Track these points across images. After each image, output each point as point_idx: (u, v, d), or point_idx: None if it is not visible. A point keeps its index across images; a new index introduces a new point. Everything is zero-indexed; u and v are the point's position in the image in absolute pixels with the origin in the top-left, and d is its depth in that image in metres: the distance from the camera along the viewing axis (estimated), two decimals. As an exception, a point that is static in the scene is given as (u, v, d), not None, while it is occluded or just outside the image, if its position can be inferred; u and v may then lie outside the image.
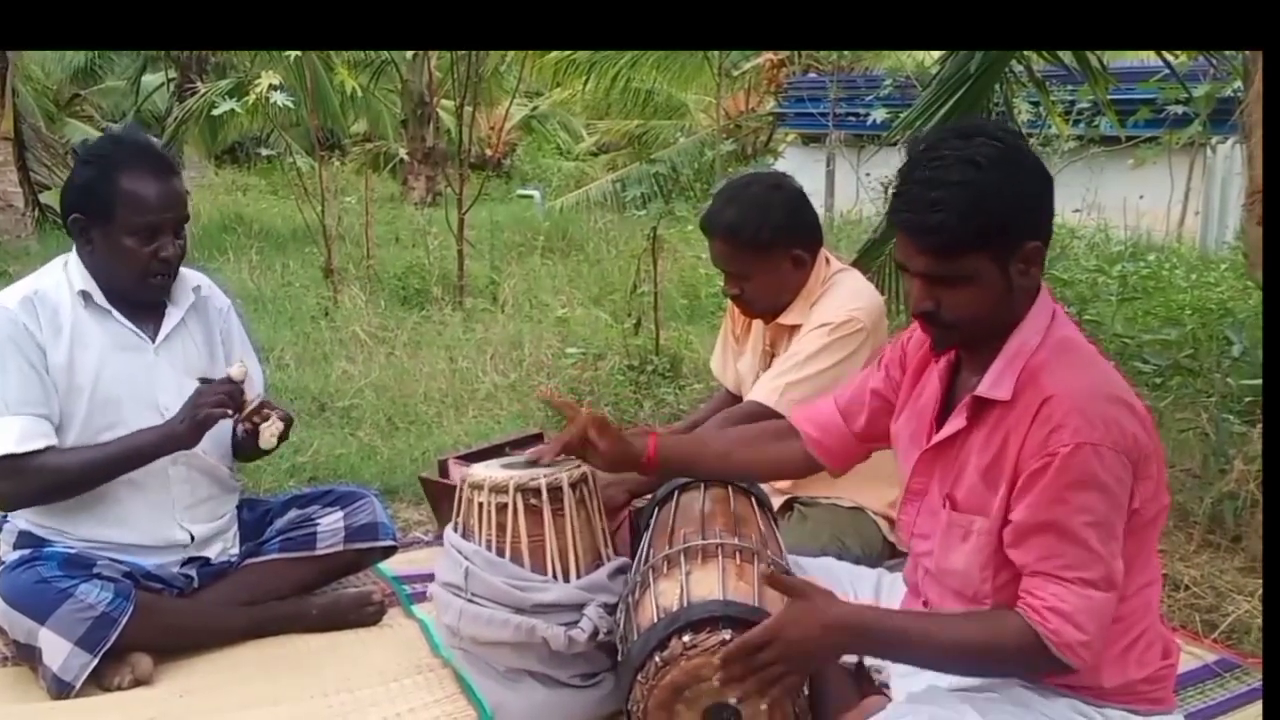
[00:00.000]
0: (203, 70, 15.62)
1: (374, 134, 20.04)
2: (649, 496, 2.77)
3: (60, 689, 2.52)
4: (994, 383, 1.94)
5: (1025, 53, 4.84)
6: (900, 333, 2.31)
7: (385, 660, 2.75)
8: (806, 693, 2.06)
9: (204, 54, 15.38)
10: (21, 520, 2.72)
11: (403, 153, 15.01)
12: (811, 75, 15.16)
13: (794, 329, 2.94)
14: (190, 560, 2.83)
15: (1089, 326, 5.47)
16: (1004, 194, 1.84)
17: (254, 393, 2.84)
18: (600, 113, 19.35)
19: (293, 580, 2.94)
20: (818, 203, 3.12)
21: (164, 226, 2.68)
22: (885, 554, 2.95)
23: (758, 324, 3.14)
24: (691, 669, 1.99)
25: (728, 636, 1.98)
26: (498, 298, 7.76)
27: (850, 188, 11.54)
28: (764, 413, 2.80)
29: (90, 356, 2.68)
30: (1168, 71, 5.42)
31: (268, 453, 2.84)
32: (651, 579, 2.22)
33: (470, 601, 2.43)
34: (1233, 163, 10.52)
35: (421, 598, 3.03)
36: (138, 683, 2.61)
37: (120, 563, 2.66)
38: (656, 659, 2.02)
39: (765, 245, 2.87)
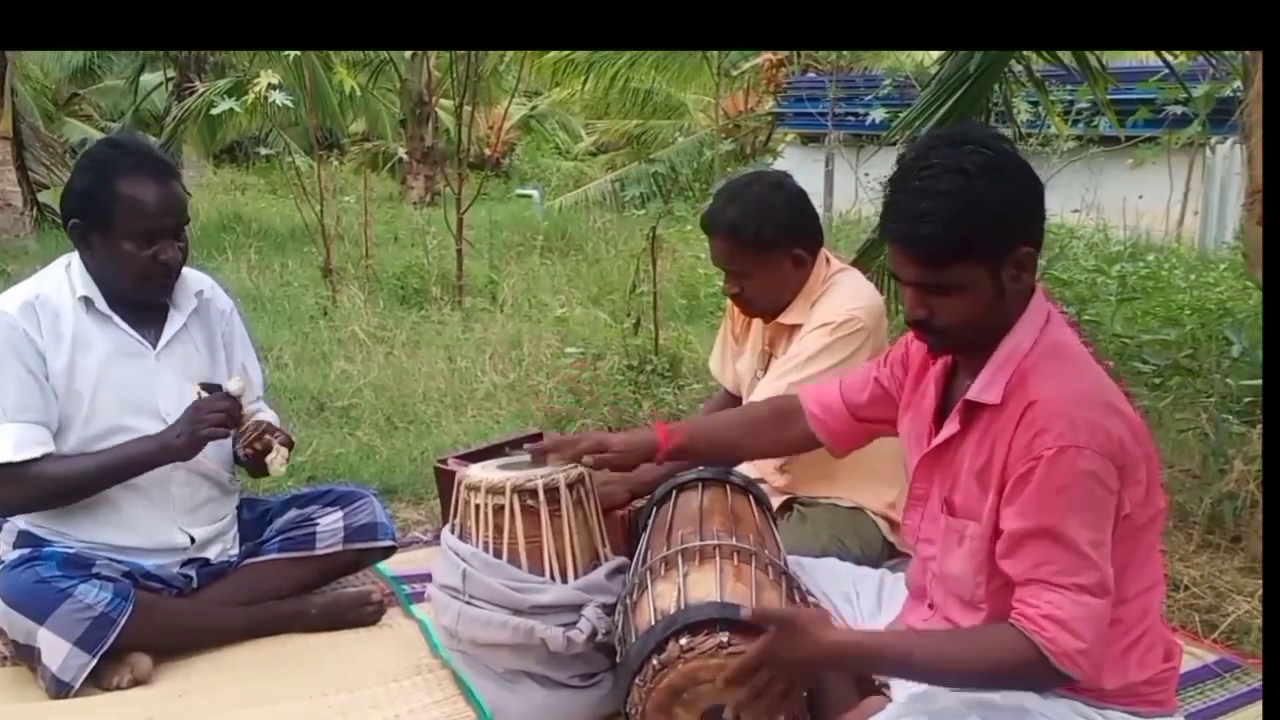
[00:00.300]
0: (201, 69, 15.61)
1: (373, 133, 20.05)
2: (648, 496, 2.77)
3: (59, 689, 2.51)
4: (984, 386, 1.95)
5: (1025, 53, 4.84)
6: (904, 333, 2.32)
7: (384, 660, 2.74)
8: (805, 693, 2.06)
9: (202, 53, 15.36)
10: (21, 520, 2.72)
11: (401, 152, 15.03)
12: (810, 75, 15.16)
13: (794, 329, 2.94)
14: (190, 561, 2.83)
15: (1088, 327, 5.48)
16: (993, 201, 1.84)
17: (254, 395, 2.85)
18: (599, 112, 19.37)
19: (292, 580, 2.94)
20: (816, 202, 3.11)
21: (163, 231, 2.68)
22: (885, 554, 2.95)
23: (757, 324, 3.14)
24: (689, 672, 1.99)
25: (725, 639, 1.98)
26: (497, 297, 7.76)
27: (849, 187, 11.52)
28: None
29: (91, 362, 2.68)
30: (1167, 71, 5.42)
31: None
32: (649, 580, 2.21)
33: (468, 603, 2.43)
34: (1232, 163, 10.51)
35: (420, 598, 3.03)
36: (136, 683, 2.60)
37: (119, 562, 2.66)
38: (654, 662, 2.02)
39: (766, 244, 2.87)
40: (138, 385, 2.73)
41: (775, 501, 2.89)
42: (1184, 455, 4.07)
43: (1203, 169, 10.97)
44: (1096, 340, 5.23)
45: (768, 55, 15.45)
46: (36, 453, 2.60)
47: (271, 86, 7.36)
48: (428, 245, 8.79)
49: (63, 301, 2.70)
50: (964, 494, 1.99)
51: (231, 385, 2.71)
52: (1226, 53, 4.90)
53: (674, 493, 2.58)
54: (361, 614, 2.96)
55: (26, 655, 2.58)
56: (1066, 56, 4.83)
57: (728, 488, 2.54)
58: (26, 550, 2.65)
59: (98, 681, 2.57)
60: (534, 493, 2.42)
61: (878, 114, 8.65)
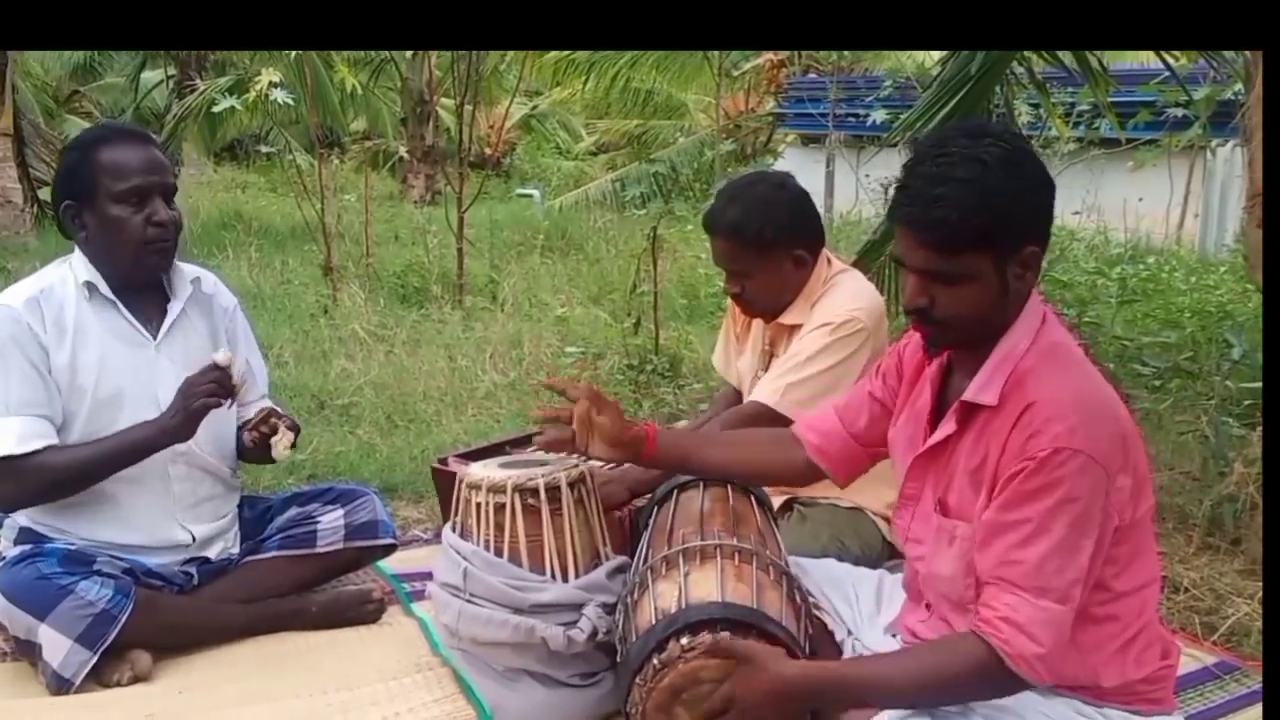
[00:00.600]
0: (202, 67, 15.60)
1: (373, 132, 20.04)
2: (649, 495, 2.77)
3: (60, 685, 2.51)
4: (981, 387, 1.95)
5: (1026, 54, 4.85)
6: (898, 339, 2.32)
7: (385, 658, 2.74)
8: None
9: (203, 51, 15.36)
10: (22, 517, 2.72)
11: (402, 151, 15.02)
12: (811, 76, 15.16)
13: (794, 329, 2.94)
14: (191, 558, 2.83)
15: (1088, 329, 5.48)
16: (1008, 195, 1.84)
17: (258, 392, 2.85)
18: (600, 112, 19.37)
19: (293, 578, 2.94)
20: (817, 203, 3.11)
21: (150, 189, 2.68)
22: (885, 554, 2.95)
23: (757, 323, 3.14)
24: (689, 671, 1.99)
25: (726, 637, 1.98)
26: (497, 296, 7.77)
27: (850, 188, 11.53)
28: (765, 413, 2.81)
29: (92, 354, 2.68)
30: (1168, 74, 5.42)
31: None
32: (650, 580, 2.21)
33: (469, 602, 2.43)
34: (1232, 166, 10.52)
35: (421, 596, 3.03)
36: (137, 680, 2.60)
37: (120, 560, 2.66)
38: (654, 661, 2.02)
39: (768, 244, 2.87)
40: (139, 376, 2.73)
41: (776, 501, 2.90)
42: (1184, 458, 4.07)
43: (1203, 172, 10.98)
44: (1097, 342, 5.24)
45: (769, 56, 15.46)
46: (39, 445, 2.60)
47: (272, 84, 7.36)
48: (428, 244, 8.79)
49: (66, 295, 2.70)
50: (958, 495, 1.99)
51: (219, 357, 2.68)
52: (1228, 55, 4.90)
53: (675, 492, 2.58)
54: (362, 612, 2.96)
55: (27, 651, 2.57)
56: (1068, 58, 4.83)
57: (729, 487, 2.54)
58: (28, 547, 2.65)
59: (98, 678, 2.56)
60: (535, 491, 2.42)
61: (879, 115, 8.67)
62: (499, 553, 2.43)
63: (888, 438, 2.26)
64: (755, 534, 2.34)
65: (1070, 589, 1.81)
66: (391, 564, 3.25)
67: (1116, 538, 1.87)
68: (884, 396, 2.28)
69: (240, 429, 2.88)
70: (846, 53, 12.40)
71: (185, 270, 2.89)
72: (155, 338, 2.78)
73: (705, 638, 2.00)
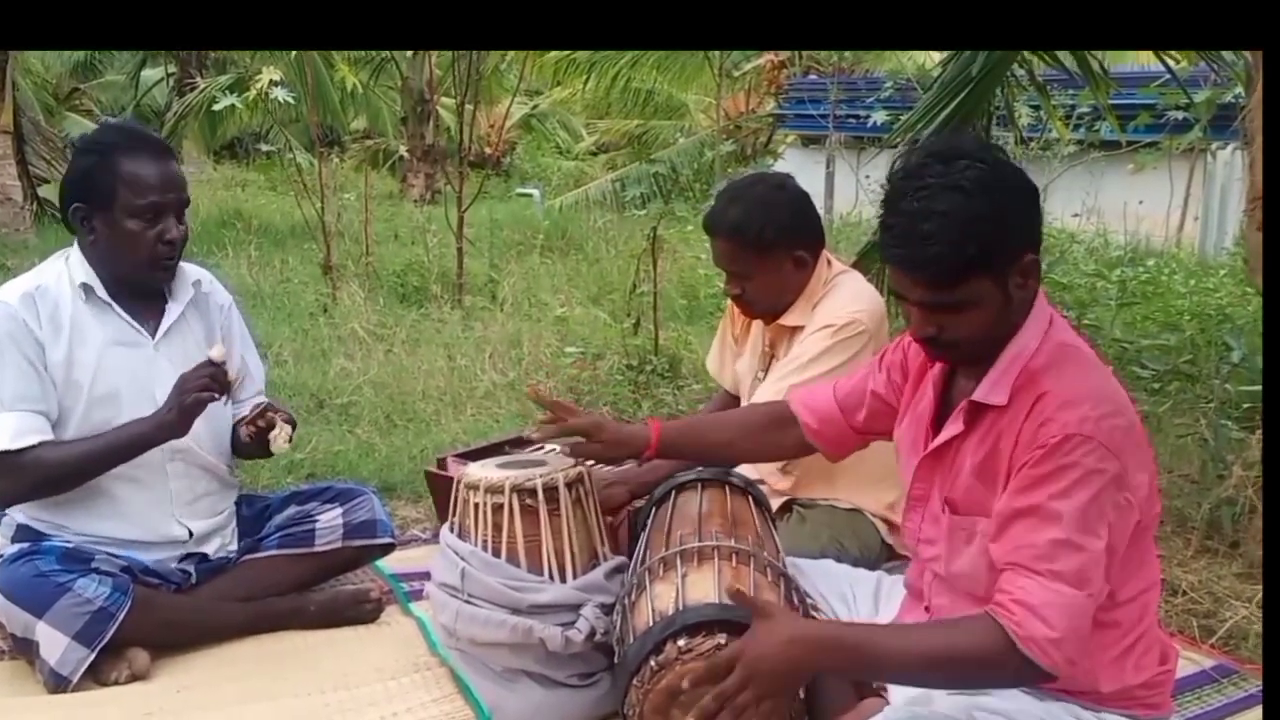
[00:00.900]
0: (202, 66, 15.63)
1: (373, 131, 20.05)
2: (647, 496, 2.77)
3: (57, 683, 2.51)
4: (990, 389, 1.95)
5: (1027, 56, 4.84)
6: (902, 334, 2.31)
7: (383, 658, 2.74)
8: (802, 695, 2.06)
9: (203, 50, 15.37)
10: (20, 514, 2.72)
11: (402, 150, 15.02)
12: (812, 77, 15.18)
13: (795, 330, 2.94)
14: (188, 556, 2.83)
15: (1088, 331, 5.48)
16: (993, 216, 1.83)
17: (254, 389, 2.84)
18: (600, 112, 19.38)
19: (291, 577, 2.94)
20: (817, 204, 3.12)
21: (166, 207, 2.68)
22: (883, 556, 2.95)
23: (757, 325, 3.14)
24: (686, 673, 1.98)
25: (723, 641, 1.98)
26: (497, 296, 7.76)
27: (850, 190, 11.53)
28: None
29: (89, 352, 2.68)
30: (1169, 76, 5.41)
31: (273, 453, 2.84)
32: (647, 581, 2.21)
33: (467, 602, 2.43)
34: (1232, 169, 10.52)
35: (419, 595, 3.03)
36: (135, 678, 2.61)
37: (118, 557, 2.66)
38: (652, 663, 2.01)
39: (768, 245, 2.87)
40: (136, 375, 2.73)
41: (774, 503, 2.90)
42: (1183, 460, 4.07)
43: (1203, 174, 10.98)
44: (1096, 344, 5.22)
45: (769, 56, 15.47)
46: (34, 440, 2.59)
47: (273, 83, 7.36)
48: (428, 243, 8.79)
49: (62, 292, 2.70)
50: (965, 491, 1.99)
51: (214, 352, 2.67)
52: (1228, 58, 4.90)
53: (673, 493, 2.58)
54: (360, 611, 2.96)
55: (25, 649, 2.57)
56: (1069, 61, 4.83)
57: (727, 489, 2.54)
58: (25, 544, 2.66)
59: (96, 676, 2.56)
60: (533, 492, 2.43)
61: (879, 116, 8.67)
62: (497, 553, 2.43)
63: (894, 436, 2.26)
64: (753, 535, 2.34)
65: (1085, 574, 1.79)
66: (390, 563, 3.25)
67: (1123, 537, 1.86)
68: (887, 393, 2.29)
69: (236, 425, 2.88)
70: (847, 54, 12.41)
71: (187, 272, 2.89)
72: (153, 337, 2.78)
73: (702, 640, 1.99)
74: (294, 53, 9.49)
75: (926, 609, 2.14)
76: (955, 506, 2.02)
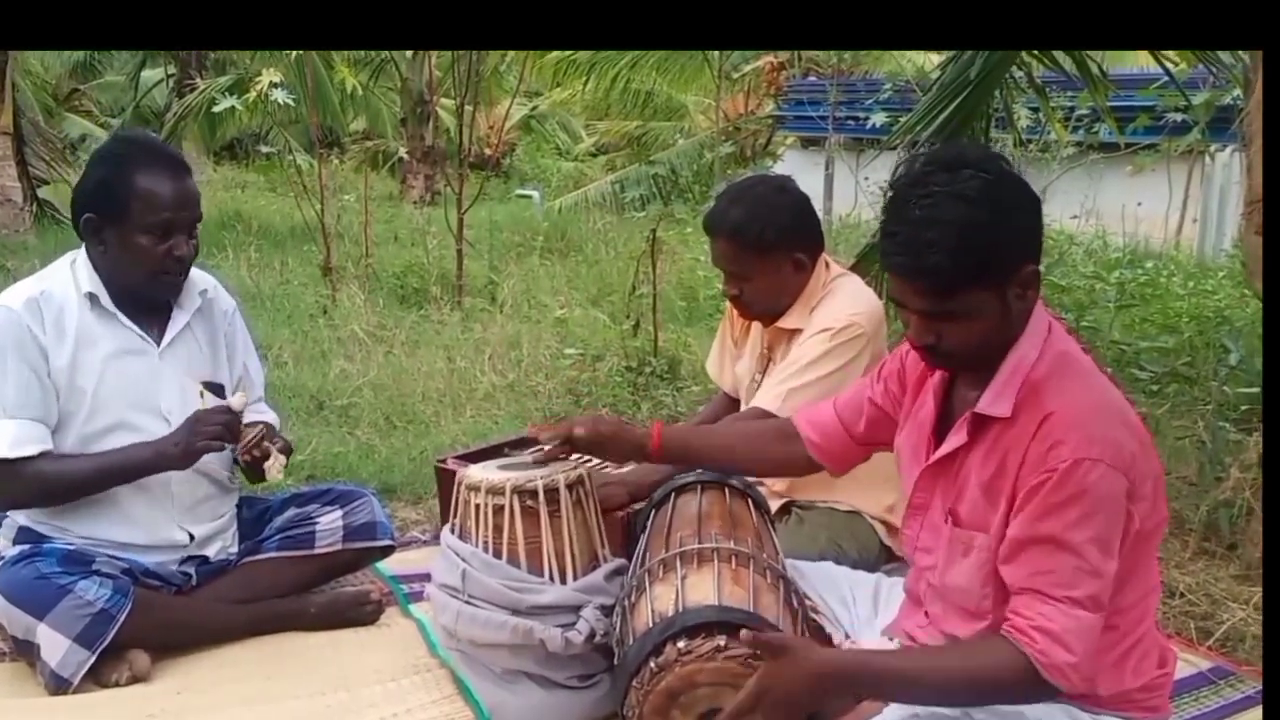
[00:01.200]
0: (202, 66, 15.61)
1: (373, 132, 20.04)
2: (647, 498, 2.77)
3: (58, 685, 2.51)
4: (993, 400, 1.94)
5: (1025, 58, 4.85)
6: (900, 344, 2.32)
7: (383, 659, 2.75)
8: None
9: (203, 51, 15.37)
10: (21, 516, 2.72)
11: (402, 151, 15.02)
12: (811, 78, 15.19)
13: (794, 333, 2.95)
14: (189, 558, 2.83)
15: (1086, 333, 5.49)
16: (997, 227, 1.84)
17: (255, 395, 2.86)
18: (600, 113, 19.38)
19: (291, 579, 2.94)
20: (816, 206, 3.12)
21: (179, 224, 2.69)
22: (882, 558, 2.96)
23: (756, 327, 3.15)
24: (686, 675, 1.99)
25: (722, 642, 1.98)
26: (496, 298, 7.76)
27: (849, 191, 11.56)
28: (767, 418, 2.82)
29: (94, 359, 2.68)
30: (1167, 79, 5.43)
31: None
32: (647, 583, 2.21)
33: (467, 603, 2.44)
34: (1231, 171, 10.53)
35: (419, 597, 3.03)
36: (135, 680, 2.61)
37: (119, 559, 2.66)
38: (651, 665, 2.02)
39: (768, 247, 2.88)
40: (140, 383, 2.74)
41: (773, 505, 2.90)
42: (1181, 463, 4.08)
43: (1202, 177, 10.99)
44: (1095, 347, 5.24)
45: (769, 58, 15.48)
46: (33, 450, 2.60)
47: (273, 84, 7.36)
48: (427, 245, 8.79)
49: (67, 298, 2.70)
50: (970, 505, 1.99)
51: (234, 401, 2.72)
52: (1226, 61, 4.91)
53: (673, 495, 2.58)
54: (360, 613, 2.97)
55: (26, 651, 2.58)
56: (1067, 63, 4.84)
57: (726, 491, 2.55)
58: (26, 546, 2.66)
59: (96, 678, 2.57)
60: (534, 493, 2.43)
61: (878, 118, 8.69)
62: (497, 554, 2.44)
63: (894, 444, 2.27)
64: (752, 537, 2.34)
65: (1099, 596, 1.82)
66: (390, 565, 3.25)
67: (1128, 551, 1.87)
68: (885, 403, 2.29)
69: (234, 452, 2.88)
70: (846, 55, 12.42)
71: (194, 280, 2.88)
72: (158, 345, 2.78)
73: (702, 642, 2.00)
74: (294, 54, 9.48)
75: (926, 614, 2.15)
76: (959, 519, 2.02)
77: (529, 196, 16.47)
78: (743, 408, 3.14)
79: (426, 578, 2.70)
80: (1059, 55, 4.75)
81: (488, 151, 18.49)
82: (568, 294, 7.96)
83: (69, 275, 2.73)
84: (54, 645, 2.50)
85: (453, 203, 7.85)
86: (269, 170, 16.42)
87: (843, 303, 2.91)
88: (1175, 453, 4.13)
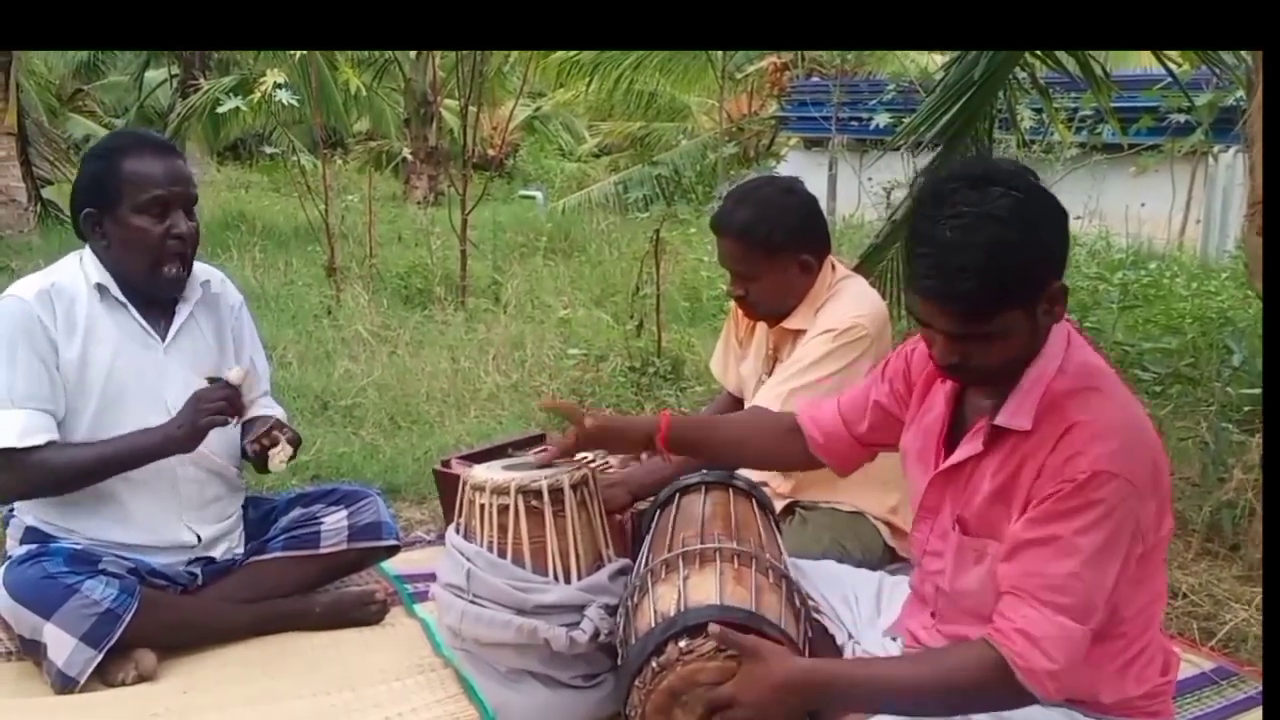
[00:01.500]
0: (205, 67, 15.61)
1: (377, 133, 20.05)
2: (651, 498, 2.78)
3: (65, 684, 2.53)
4: (1014, 413, 1.92)
5: (1029, 59, 4.86)
6: (904, 342, 2.32)
7: (387, 659, 2.76)
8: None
9: (207, 51, 15.38)
10: (28, 516, 2.74)
11: (406, 152, 15.03)
12: (815, 79, 15.18)
13: (798, 334, 2.96)
14: (196, 559, 2.84)
15: (1089, 334, 5.48)
16: (1029, 248, 1.80)
17: (261, 389, 2.86)
18: (603, 114, 19.38)
19: (296, 578, 2.95)
20: (820, 206, 3.13)
21: (173, 202, 2.70)
22: (886, 558, 2.96)
23: (761, 327, 3.15)
24: (688, 674, 1.99)
25: (729, 633, 1.99)
26: (500, 298, 7.78)
27: (852, 192, 11.56)
28: None
29: (103, 352, 2.69)
30: (1170, 80, 5.43)
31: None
32: (650, 583, 2.22)
33: (472, 603, 2.44)
34: (1234, 172, 10.53)
35: (424, 597, 3.04)
36: (141, 679, 2.62)
37: (125, 559, 2.67)
38: (653, 664, 2.02)
39: (776, 247, 2.88)
40: (146, 376, 2.75)
41: (777, 505, 2.91)
42: (1184, 463, 4.08)
43: (1205, 177, 10.98)
44: (1099, 348, 5.23)
45: (772, 59, 15.48)
46: (41, 439, 2.61)
47: (277, 85, 7.37)
48: (431, 245, 8.80)
49: (77, 291, 2.71)
50: (981, 513, 1.98)
51: (232, 375, 2.71)
52: (1230, 61, 4.91)
53: (677, 495, 2.58)
54: (365, 613, 2.98)
55: (32, 650, 2.58)
56: (1071, 63, 4.84)
57: (730, 491, 2.55)
58: (34, 546, 2.67)
59: (103, 677, 2.58)
60: (538, 493, 2.44)
61: (882, 119, 8.69)
62: (502, 554, 2.44)
63: (900, 444, 2.26)
64: (756, 537, 2.34)
65: (1090, 609, 1.81)
66: (394, 565, 3.26)
67: (1131, 563, 1.86)
68: (889, 403, 2.28)
69: (244, 433, 2.90)
70: (850, 56, 12.41)
71: (196, 271, 2.90)
72: (164, 339, 2.79)
73: (703, 641, 2.00)
74: (298, 55, 9.49)
75: (932, 614, 2.15)
76: (967, 527, 2.01)
77: (532, 197, 16.49)
78: (748, 408, 3.15)
79: (431, 577, 2.70)
80: (1062, 56, 4.75)
81: (491, 152, 18.49)
82: (571, 294, 7.97)
83: (78, 269, 2.75)
84: (61, 644, 2.51)
85: (456, 203, 7.87)
86: (273, 171, 16.46)
87: (847, 304, 2.92)
88: (1178, 454, 4.13)
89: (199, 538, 2.83)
